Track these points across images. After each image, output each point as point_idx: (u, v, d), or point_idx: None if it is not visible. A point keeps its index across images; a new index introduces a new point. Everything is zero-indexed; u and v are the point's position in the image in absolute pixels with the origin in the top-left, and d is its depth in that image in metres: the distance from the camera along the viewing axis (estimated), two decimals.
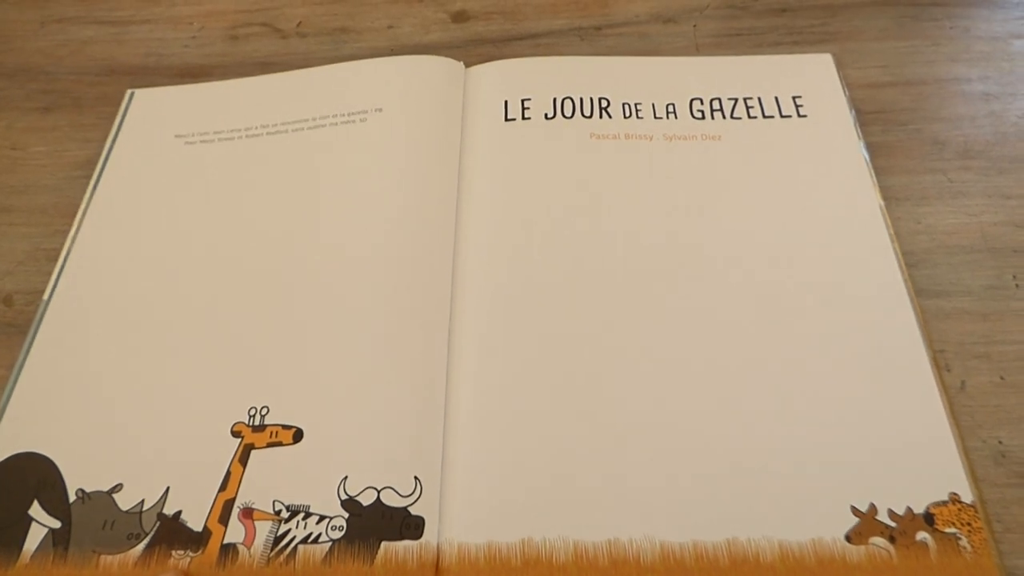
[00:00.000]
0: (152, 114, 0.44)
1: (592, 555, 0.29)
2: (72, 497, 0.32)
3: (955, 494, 0.30)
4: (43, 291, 0.38)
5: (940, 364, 0.34)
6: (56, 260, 0.39)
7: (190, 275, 0.37)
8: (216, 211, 0.39)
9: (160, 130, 0.43)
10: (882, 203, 0.38)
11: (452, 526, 0.30)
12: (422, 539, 0.30)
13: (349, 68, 0.44)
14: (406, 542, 0.30)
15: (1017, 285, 0.36)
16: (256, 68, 0.46)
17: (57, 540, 0.31)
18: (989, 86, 0.43)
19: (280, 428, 0.33)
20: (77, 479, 0.32)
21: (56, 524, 0.31)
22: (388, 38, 0.48)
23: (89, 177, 0.42)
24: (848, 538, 0.29)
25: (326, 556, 0.30)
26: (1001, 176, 0.39)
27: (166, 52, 0.48)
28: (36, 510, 0.32)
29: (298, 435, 0.32)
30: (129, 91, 0.45)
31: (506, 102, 0.42)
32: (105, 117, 0.45)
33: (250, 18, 0.50)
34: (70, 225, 0.40)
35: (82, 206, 0.40)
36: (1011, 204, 0.38)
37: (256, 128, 0.42)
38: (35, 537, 0.31)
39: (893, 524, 0.29)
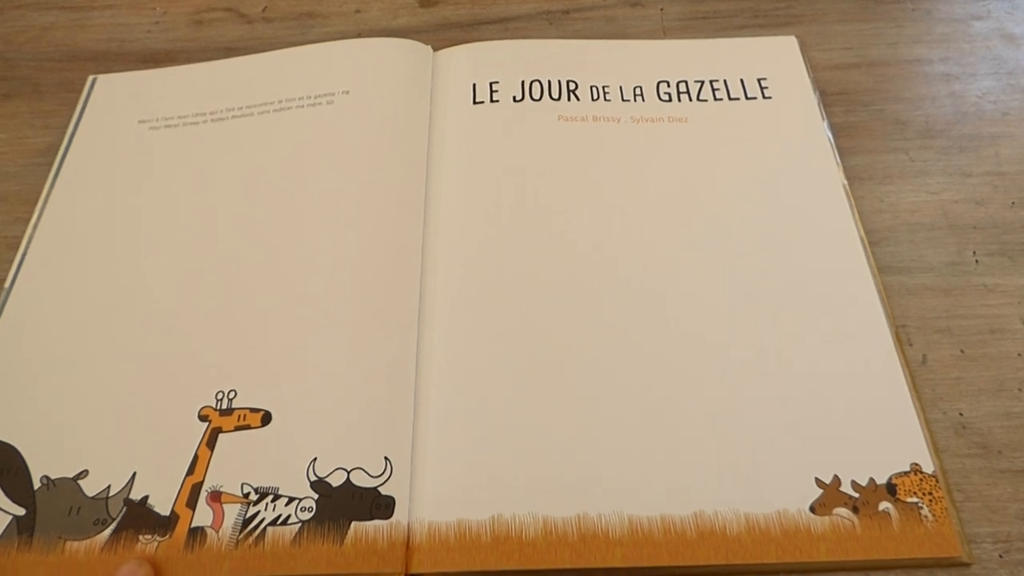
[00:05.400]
0: (115, 100, 0.43)
1: (561, 530, 0.30)
2: (37, 484, 0.31)
3: (917, 464, 0.31)
4: (4, 279, 0.37)
5: (902, 339, 0.34)
6: (17, 248, 0.38)
7: (154, 260, 0.37)
8: (181, 195, 0.39)
9: (123, 115, 0.42)
10: (845, 182, 0.38)
11: (422, 505, 0.30)
12: (392, 519, 0.30)
13: (316, 50, 0.44)
14: (376, 522, 0.30)
15: (977, 261, 0.37)
16: (220, 53, 0.45)
17: (22, 527, 0.30)
18: (950, 67, 0.43)
19: (248, 411, 0.32)
20: (42, 466, 0.32)
21: (20, 511, 0.31)
22: (356, 22, 0.47)
23: (50, 164, 0.41)
24: (812, 509, 0.30)
25: (295, 537, 0.30)
26: (961, 155, 0.40)
27: (129, 38, 0.47)
28: None
29: (266, 418, 0.32)
30: (91, 77, 0.44)
31: (474, 85, 0.42)
32: (67, 103, 0.44)
33: (214, 3, 0.49)
34: (31, 212, 0.39)
35: (43, 193, 0.40)
36: (971, 182, 0.39)
37: (221, 112, 0.42)
38: None
39: (856, 495, 0.30)
